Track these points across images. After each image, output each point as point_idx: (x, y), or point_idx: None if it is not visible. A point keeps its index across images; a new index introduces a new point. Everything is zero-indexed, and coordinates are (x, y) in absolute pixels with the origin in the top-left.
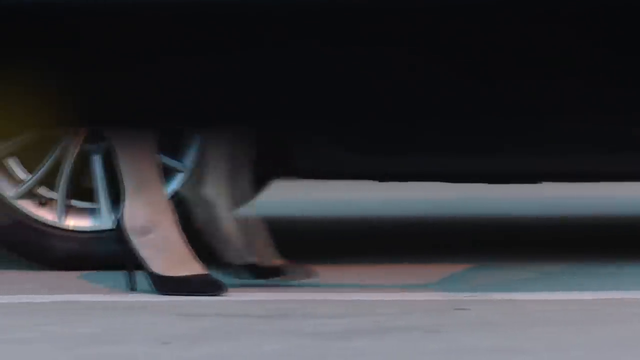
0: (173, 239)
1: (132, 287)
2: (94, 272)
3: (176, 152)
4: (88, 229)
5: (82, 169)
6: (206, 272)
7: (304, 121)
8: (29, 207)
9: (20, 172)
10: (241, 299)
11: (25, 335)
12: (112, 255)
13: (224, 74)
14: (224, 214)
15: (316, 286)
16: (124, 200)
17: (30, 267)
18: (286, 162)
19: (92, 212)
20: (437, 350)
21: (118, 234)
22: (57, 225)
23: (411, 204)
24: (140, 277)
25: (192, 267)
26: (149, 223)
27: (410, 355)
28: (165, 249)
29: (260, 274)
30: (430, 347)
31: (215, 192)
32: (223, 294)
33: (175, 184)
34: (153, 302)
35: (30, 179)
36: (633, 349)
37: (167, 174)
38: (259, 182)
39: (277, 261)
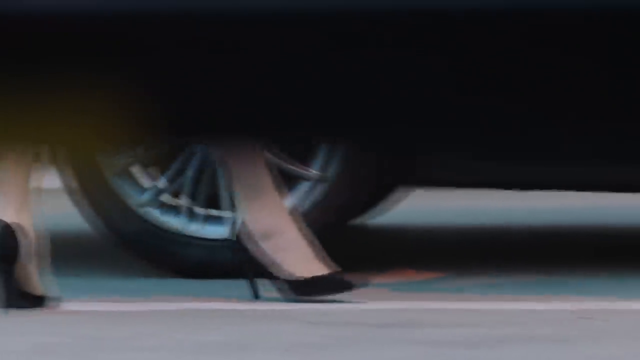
0: (297, 240)
1: (255, 296)
2: (221, 279)
3: (303, 159)
4: (215, 237)
5: (208, 176)
6: (336, 270)
7: (441, 130)
8: (155, 214)
9: (146, 180)
10: (366, 307)
11: (154, 342)
12: (238, 263)
13: (360, 79)
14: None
15: (438, 293)
16: (241, 207)
17: (158, 275)
18: (412, 170)
19: (218, 220)
20: None
21: (238, 241)
22: (183, 232)
23: (538, 213)
24: (265, 285)
25: (319, 267)
26: (272, 227)
27: None
28: (291, 252)
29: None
30: (558, 358)
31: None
32: (353, 300)
33: (300, 192)
34: (279, 310)
35: (156, 186)
36: None
37: (292, 181)
38: (385, 191)
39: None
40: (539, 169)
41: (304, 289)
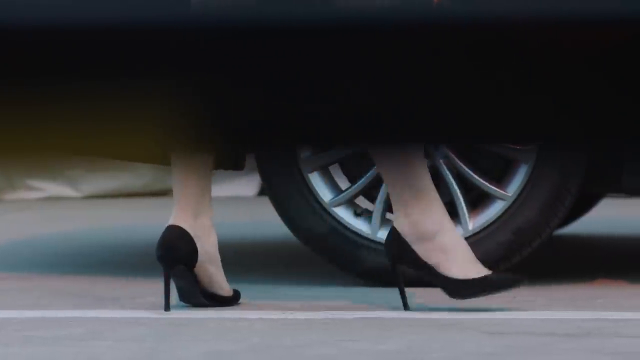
0: (459, 241)
1: (405, 305)
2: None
3: (500, 178)
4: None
5: None
6: (494, 272)
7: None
8: (347, 216)
9: (342, 180)
10: (543, 317)
11: (327, 351)
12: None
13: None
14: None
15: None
16: (399, 210)
17: (330, 284)
18: (616, 179)
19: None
20: None
21: (395, 245)
22: (372, 237)
23: None
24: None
25: (481, 267)
26: (434, 227)
27: None
28: (454, 252)
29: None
30: None
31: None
32: (529, 309)
33: (494, 212)
34: (455, 319)
35: (350, 188)
36: None
37: (487, 200)
38: (590, 200)
39: None
40: None
41: (475, 288)
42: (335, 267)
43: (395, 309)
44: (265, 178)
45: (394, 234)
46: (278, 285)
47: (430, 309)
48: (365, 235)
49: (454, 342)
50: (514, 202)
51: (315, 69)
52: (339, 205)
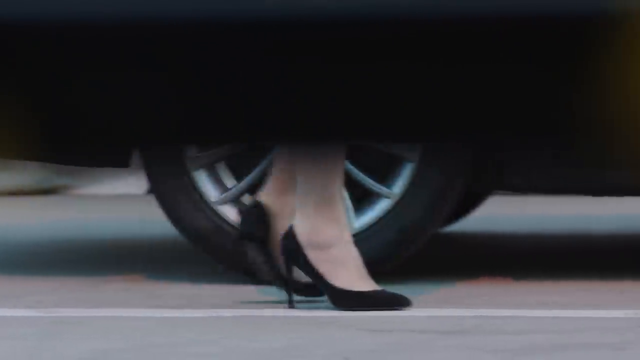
0: (353, 256)
1: (290, 303)
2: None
3: (385, 177)
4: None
5: None
6: (381, 289)
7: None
8: (231, 215)
9: (227, 179)
10: (428, 314)
11: (205, 349)
12: (278, 269)
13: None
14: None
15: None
16: (304, 212)
17: (213, 281)
18: (500, 177)
19: None
20: None
21: (288, 245)
22: None
23: (622, 220)
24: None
25: (371, 283)
26: (332, 238)
27: None
28: (345, 264)
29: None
30: None
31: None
32: (406, 309)
33: (379, 210)
34: (336, 317)
35: (235, 186)
36: None
37: (373, 199)
38: (474, 198)
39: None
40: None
41: (359, 301)
42: (221, 265)
43: (278, 306)
44: (150, 176)
45: (290, 233)
46: (162, 282)
47: (312, 307)
48: None
49: (334, 340)
50: (399, 200)
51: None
52: (224, 203)
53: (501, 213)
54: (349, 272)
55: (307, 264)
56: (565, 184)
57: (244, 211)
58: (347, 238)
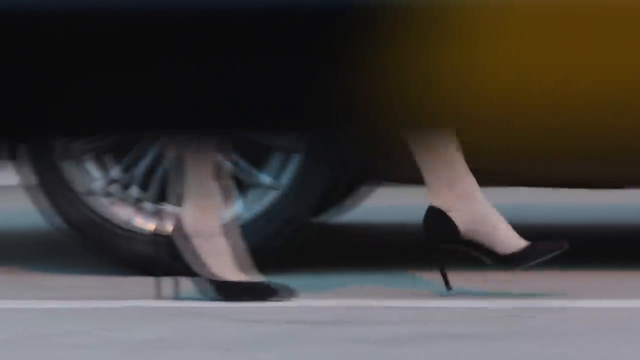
0: (234, 244)
1: (158, 295)
2: (156, 277)
3: (257, 166)
4: (158, 232)
5: (161, 170)
6: (261, 280)
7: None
8: (103, 205)
9: (95, 170)
10: (300, 305)
11: (82, 341)
12: (162, 258)
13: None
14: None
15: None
16: (189, 201)
17: (90, 272)
18: (373, 168)
19: (166, 215)
20: (490, 357)
21: (171, 236)
22: (129, 225)
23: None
24: (186, 284)
25: (251, 274)
26: (214, 228)
27: None
28: (226, 253)
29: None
30: (483, 354)
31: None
32: (284, 300)
33: (266, 202)
34: (212, 308)
35: (107, 176)
36: None
37: (260, 190)
38: (348, 189)
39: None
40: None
41: (235, 292)
42: (94, 256)
43: (150, 297)
44: (22, 168)
45: (178, 222)
46: (41, 274)
47: (185, 298)
48: (123, 224)
49: (207, 331)
50: (286, 192)
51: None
52: (94, 193)
53: (384, 204)
54: (229, 262)
55: (194, 250)
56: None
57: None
58: (220, 228)
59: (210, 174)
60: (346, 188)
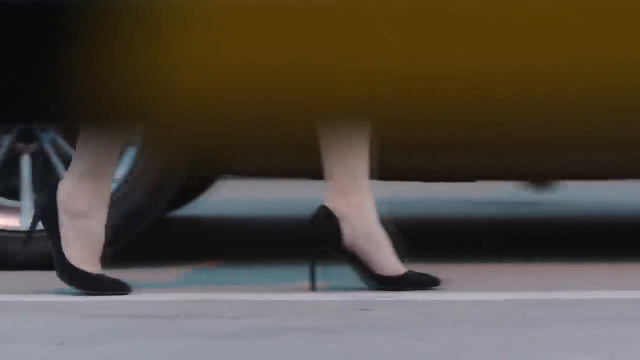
0: (99, 232)
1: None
2: (5, 272)
3: None
4: (9, 229)
5: (10, 166)
6: (103, 273)
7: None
8: None
9: None
10: (145, 299)
11: None
12: (31, 256)
13: None
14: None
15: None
16: (68, 176)
17: None
18: (227, 162)
19: (13, 211)
20: (333, 351)
21: (46, 206)
22: None
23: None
24: (46, 279)
25: (99, 266)
26: (87, 208)
27: (306, 355)
28: (88, 239)
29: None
30: (326, 348)
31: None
32: (127, 295)
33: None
34: (56, 302)
35: None
36: (539, 351)
37: None
38: (203, 183)
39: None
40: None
41: (84, 282)
42: None
43: None
44: None
45: (52, 194)
46: None
47: (35, 292)
48: None
49: (49, 326)
50: (122, 185)
51: None
52: None
53: (232, 197)
54: (86, 248)
55: (55, 228)
56: (292, 167)
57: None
58: (104, 214)
59: (113, 157)
60: (194, 182)
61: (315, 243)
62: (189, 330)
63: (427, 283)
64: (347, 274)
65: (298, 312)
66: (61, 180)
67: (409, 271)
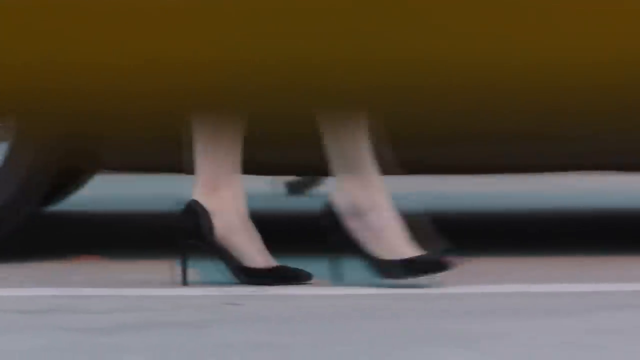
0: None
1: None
2: None
3: None
4: None
5: None
6: None
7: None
8: None
9: None
10: (13, 294)
11: None
12: None
13: None
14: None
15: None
16: None
17: None
18: (97, 157)
19: None
20: (201, 346)
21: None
22: None
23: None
24: None
25: None
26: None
27: (174, 350)
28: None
29: None
30: (195, 343)
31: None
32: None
33: None
34: None
35: None
36: (412, 343)
37: None
38: (74, 177)
39: None
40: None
41: None
42: None
43: None
44: None
45: None
46: None
47: None
48: None
49: None
50: None
51: None
52: None
53: (107, 192)
54: None
55: None
56: (162, 162)
57: None
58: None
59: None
60: (69, 176)
61: (185, 237)
62: (58, 325)
63: (299, 277)
64: (219, 269)
65: (168, 307)
66: None
67: (280, 265)
